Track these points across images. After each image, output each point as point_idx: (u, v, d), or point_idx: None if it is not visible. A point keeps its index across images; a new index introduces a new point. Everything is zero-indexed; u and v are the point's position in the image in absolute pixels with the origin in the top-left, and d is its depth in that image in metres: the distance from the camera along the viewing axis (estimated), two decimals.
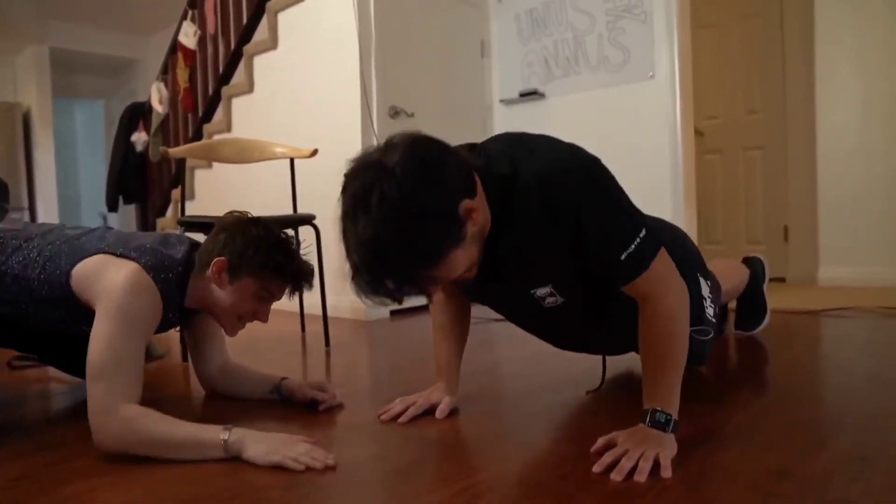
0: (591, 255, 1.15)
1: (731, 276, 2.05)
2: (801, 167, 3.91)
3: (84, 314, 1.30)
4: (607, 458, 1.06)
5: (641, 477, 1.01)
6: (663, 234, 1.23)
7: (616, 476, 1.02)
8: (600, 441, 1.14)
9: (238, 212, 1.49)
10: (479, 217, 1.06)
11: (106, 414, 1.15)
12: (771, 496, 0.94)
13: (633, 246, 1.12)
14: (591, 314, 1.33)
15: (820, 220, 3.76)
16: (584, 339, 1.53)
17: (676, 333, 1.16)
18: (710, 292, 1.56)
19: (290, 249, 1.42)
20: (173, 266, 1.35)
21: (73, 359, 1.71)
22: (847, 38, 3.63)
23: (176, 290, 1.36)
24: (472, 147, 1.20)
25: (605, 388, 1.59)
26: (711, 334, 1.52)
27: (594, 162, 1.16)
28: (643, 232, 1.14)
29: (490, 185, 1.12)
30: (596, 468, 1.05)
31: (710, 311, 1.53)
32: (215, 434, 1.17)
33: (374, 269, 1.00)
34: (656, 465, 1.04)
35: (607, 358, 1.61)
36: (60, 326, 1.40)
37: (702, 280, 1.53)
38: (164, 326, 1.41)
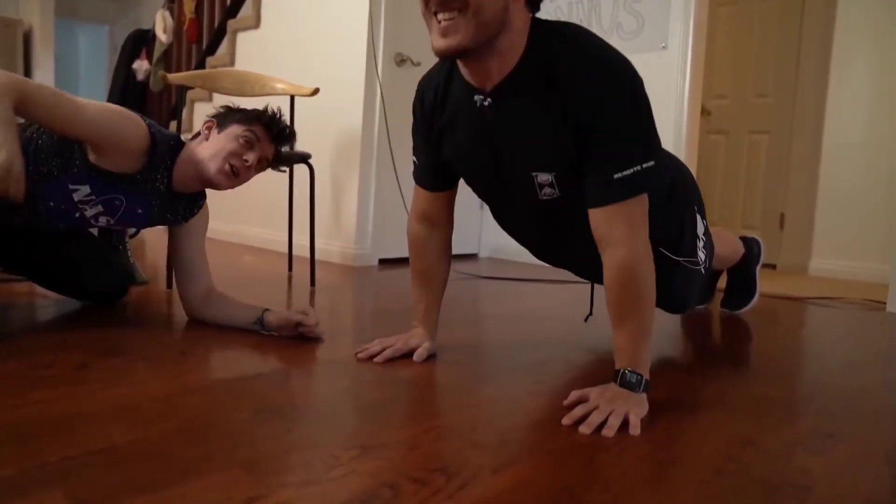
0: (589, 154, 1.12)
1: (726, 244, 2.04)
2: (805, 156, 3.89)
3: (75, 162, 1.43)
4: (577, 411, 1.07)
5: (610, 432, 1.02)
6: (670, 170, 1.20)
7: (585, 429, 1.02)
8: (573, 395, 1.14)
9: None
10: (516, 6, 1.10)
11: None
12: (731, 461, 0.95)
13: (630, 170, 1.09)
14: (582, 219, 1.29)
15: (817, 210, 3.75)
16: (570, 248, 1.42)
17: (643, 293, 1.14)
18: (704, 235, 1.54)
19: (265, 112, 1.59)
20: (167, 137, 1.53)
21: (59, 276, 1.72)
22: (867, 32, 3.58)
23: (167, 152, 1.52)
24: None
25: (587, 349, 1.59)
26: (704, 265, 1.49)
27: (638, 81, 1.13)
28: (650, 163, 1.10)
29: (537, 30, 1.13)
30: (565, 420, 1.06)
31: (701, 253, 1.50)
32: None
33: None
34: (625, 423, 1.05)
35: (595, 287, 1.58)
36: (39, 192, 1.43)
37: (699, 217, 1.51)
38: (149, 194, 1.51)
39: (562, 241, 1.39)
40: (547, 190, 1.22)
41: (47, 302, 1.83)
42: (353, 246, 3.06)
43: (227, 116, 1.55)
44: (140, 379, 1.17)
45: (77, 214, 1.48)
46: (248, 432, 0.96)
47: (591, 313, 1.79)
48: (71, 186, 1.43)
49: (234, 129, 1.51)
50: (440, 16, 1.08)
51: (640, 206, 1.13)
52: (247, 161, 1.50)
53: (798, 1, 3.97)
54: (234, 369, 1.29)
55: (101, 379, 1.15)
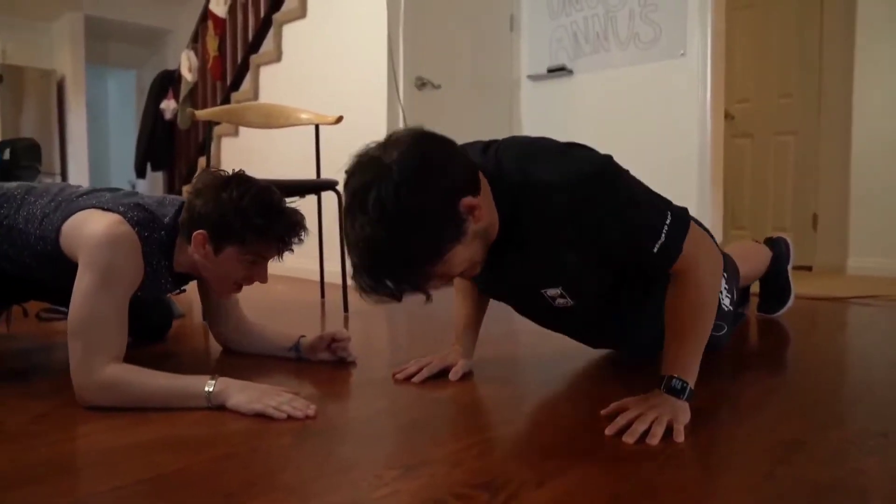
0: (624, 256, 1.15)
1: (750, 258, 2.01)
2: (835, 154, 3.82)
3: (74, 271, 1.26)
4: (620, 420, 1.05)
5: (654, 440, 1.00)
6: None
7: (628, 439, 1.01)
8: (612, 405, 1.13)
9: (213, 170, 1.38)
10: (484, 214, 1.05)
11: (87, 373, 1.15)
12: (781, 464, 0.92)
13: (663, 235, 1.10)
14: (603, 313, 1.32)
15: (851, 208, 3.67)
16: (600, 336, 1.50)
17: (703, 303, 1.15)
18: (726, 283, 1.53)
19: (270, 207, 1.31)
20: (158, 227, 1.32)
21: None
22: (890, 23, 3.52)
23: (161, 253, 1.34)
24: (486, 146, 1.19)
25: (623, 361, 1.57)
26: (725, 329, 1.49)
27: (607, 164, 1.12)
28: (669, 218, 1.11)
29: (500, 189, 1.10)
30: (608, 430, 1.04)
31: (726, 301, 1.50)
32: (200, 386, 1.17)
33: (372, 270, 0.99)
34: (668, 431, 1.03)
35: None
36: (59, 280, 1.40)
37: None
38: (158, 289, 1.41)
39: (589, 334, 1.45)
40: (559, 300, 1.26)
41: None
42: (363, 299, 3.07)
43: (220, 227, 1.28)
44: (181, 410, 1.18)
45: None
46: (291, 456, 0.96)
47: None
48: None
49: (234, 254, 1.30)
50: None
51: (691, 240, 1.13)
52: (255, 277, 1.38)
53: None
54: None
55: (144, 412, 1.17)
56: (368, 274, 0.99)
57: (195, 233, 1.29)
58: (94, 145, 6.89)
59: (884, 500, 0.81)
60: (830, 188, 3.85)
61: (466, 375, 1.41)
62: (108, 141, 8.19)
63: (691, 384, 1.11)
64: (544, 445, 1.01)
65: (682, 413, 1.08)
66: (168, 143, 5.21)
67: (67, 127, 6.31)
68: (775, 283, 2.12)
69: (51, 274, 1.37)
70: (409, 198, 0.95)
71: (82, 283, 1.19)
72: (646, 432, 1.02)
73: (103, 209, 1.27)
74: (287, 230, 1.33)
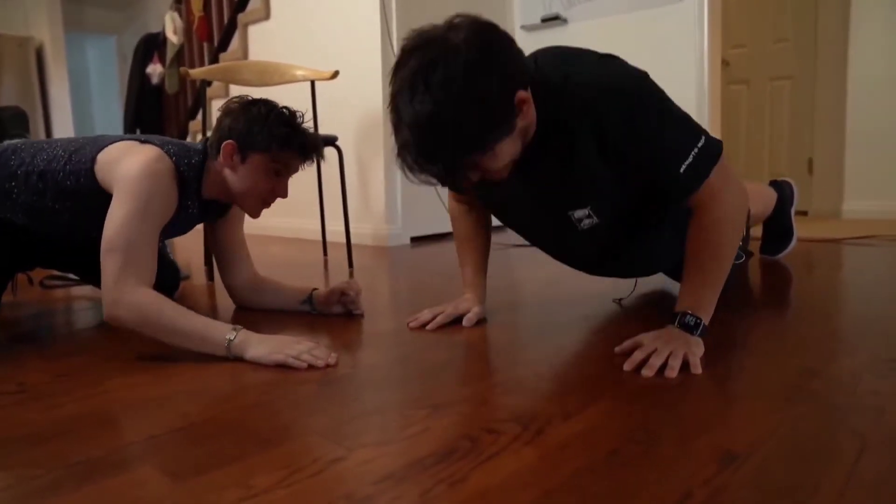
0: (649, 171, 1.13)
1: (758, 199, 2.02)
2: (830, 98, 3.81)
3: (107, 204, 1.30)
4: (637, 355, 1.08)
5: (672, 373, 1.02)
6: None
7: (647, 372, 1.03)
8: (627, 342, 1.15)
9: (239, 96, 1.46)
10: (529, 112, 1.05)
11: (120, 290, 1.18)
12: (799, 390, 0.95)
13: (691, 157, 1.10)
14: (624, 234, 1.33)
15: (847, 152, 3.69)
16: (613, 261, 1.50)
17: (725, 241, 1.15)
18: None
19: (293, 121, 1.41)
20: (192, 156, 1.38)
21: None
22: None
23: (194, 179, 1.39)
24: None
25: (633, 300, 1.60)
26: (744, 258, 1.51)
27: (643, 78, 1.12)
28: (701, 141, 1.11)
29: (539, 93, 1.09)
30: (626, 366, 1.07)
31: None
32: (221, 333, 1.20)
33: (425, 148, 0.98)
34: (685, 365, 1.05)
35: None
36: (84, 223, 1.42)
37: None
38: (185, 220, 1.45)
39: (605, 256, 1.43)
40: (585, 221, 1.26)
41: (87, 304, 1.88)
42: (384, 226, 3.08)
43: (248, 136, 1.37)
44: (201, 362, 1.19)
45: None
46: (319, 402, 0.98)
47: (629, 295, 1.75)
48: None
49: (260, 162, 1.38)
50: None
51: (719, 173, 1.13)
52: (277, 190, 1.44)
53: None
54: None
55: (166, 366, 1.18)
56: (420, 151, 0.98)
57: (225, 143, 1.37)
58: (77, 113, 6.79)
59: None
60: (825, 133, 3.86)
61: (480, 321, 1.43)
62: (92, 109, 8.06)
63: (705, 321, 1.14)
64: (565, 382, 1.03)
65: (697, 346, 1.10)
66: (156, 109, 5.14)
67: (50, 96, 6.19)
68: (778, 225, 2.15)
69: (75, 216, 1.40)
70: (477, 79, 0.94)
71: (119, 209, 1.22)
72: (663, 366, 1.04)
73: (140, 141, 1.32)
74: (307, 141, 1.41)
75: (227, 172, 1.41)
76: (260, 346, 1.19)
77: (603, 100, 1.08)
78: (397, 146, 1.00)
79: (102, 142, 1.36)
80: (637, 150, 1.11)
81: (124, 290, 1.18)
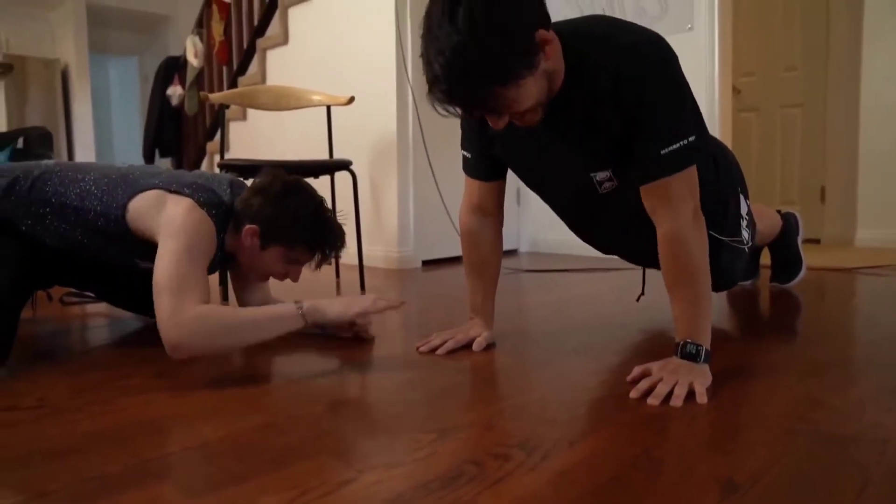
0: (635, 134, 1.16)
1: (764, 218, 2.03)
2: (841, 126, 3.82)
3: (135, 246, 1.37)
4: (643, 384, 1.09)
5: (678, 402, 1.03)
6: (713, 148, 1.22)
7: (653, 401, 1.04)
8: (636, 370, 1.16)
9: (277, 172, 1.47)
10: (553, 53, 1.09)
11: (177, 315, 1.17)
12: (802, 420, 0.96)
13: (676, 145, 1.12)
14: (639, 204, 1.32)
15: (859, 180, 3.68)
16: (629, 235, 1.45)
17: (697, 265, 1.16)
18: (747, 215, 1.55)
19: (324, 224, 1.44)
20: (221, 206, 1.39)
21: (130, 294, 1.78)
22: None
23: (220, 230, 1.40)
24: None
25: (642, 328, 1.60)
26: (748, 244, 1.51)
27: (673, 58, 1.15)
28: (692, 137, 1.14)
29: (570, 46, 1.14)
30: (633, 394, 1.08)
31: (745, 233, 1.52)
32: (288, 308, 1.23)
33: (454, 78, 1.02)
34: (691, 393, 1.06)
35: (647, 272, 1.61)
36: (110, 256, 1.46)
37: (742, 198, 1.52)
38: (211, 267, 1.45)
39: (623, 227, 1.42)
40: (606, 184, 1.28)
41: (105, 322, 1.91)
42: (396, 249, 3.11)
43: (273, 228, 1.40)
44: (216, 384, 1.22)
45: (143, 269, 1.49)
46: (329, 423, 1.00)
47: (643, 293, 1.80)
48: (136, 259, 1.47)
49: (278, 253, 1.42)
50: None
51: (689, 178, 1.16)
52: (289, 275, 1.48)
53: None
54: (302, 369, 1.33)
55: (181, 386, 1.21)
56: (449, 82, 1.02)
57: (247, 226, 1.40)
58: (98, 133, 6.92)
59: None
60: (838, 161, 3.86)
61: (489, 346, 1.44)
62: (112, 128, 8.20)
63: (706, 346, 1.14)
64: (571, 409, 1.04)
65: (702, 376, 1.11)
66: (176, 129, 5.23)
67: (73, 115, 6.33)
68: (787, 255, 2.15)
69: (102, 249, 1.43)
70: (498, 13, 1.00)
71: (168, 250, 1.24)
72: (669, 395, 1.05)
73: (170, 190, 1.34)
74: (332, 246, 1.45)
75: (244, 248, 1.43)
76: (333, 306, 1.24)
77: (628, 55, 1.12)
78: (427, 83, 1.06)
79: (134, 184, 1.37)
80: (637, 113, 1.13)
81: (182, 311, 1.17)
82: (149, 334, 1.70)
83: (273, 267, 1.45)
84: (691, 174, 1.16)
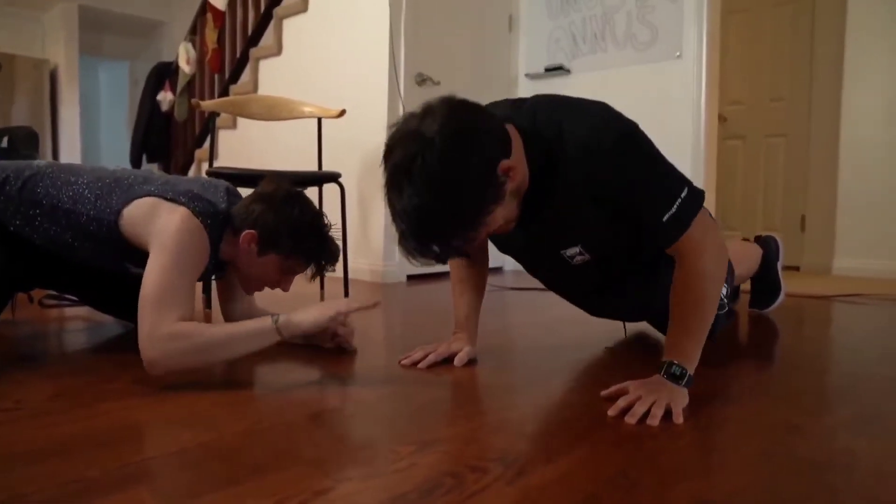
0: (634, 218, 1.18)
1: (743, 259, 2.07)
2: (823, 157, 3.90)
3: (127, 252, 1.36)
4: (621, 402, 1.10)
5: (654, 421, 1.05)
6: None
7: (630, 419, 1.06)
8: (612, 388, 1.18)
9: (278, 181, 1.49)
10: (518, 174, 1.10)
11: (154, 333, 1.18)
12: (776, 444, 0.98)
13: (674, 207, 1.14)
14: (618, 269, 1.37)
15: (839, 210, 3.76)
16: (606, 297, 1.54)
17: (707, 294, 1.18)
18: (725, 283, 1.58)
19: (322, 233, 1.45)
20: (217, 215, 1.39)
21: (114, 298, 1.77)
22: (879, 30, 3.60)
23: (216, 239, 1.41)
24: (516, 103, 1.23)
25: (622, 350, 1.62)
26: (726, 309, 1.54)
27: (633, 129, 1.18)
28: (684, 192, 1.16)
29: (532, 144, 1.15)
30: (610, 412, 1.09)
31: (722, 291, 1.55)
32: (263, 323, 1.24)
33: (421, 235, 1.04)
34: (668, 414, 1.08)
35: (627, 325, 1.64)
36: (99, 260, 1.46)
37: None
38: (203, 274, 1.45)
39: (599, 291, 1.48)
40: (578, 258, 1.32)
41: (85, 325, 1.90)
42: (381, 263, 3.12)
43: (272, 235, 1.40)
44: (198, 390, 1.22)
45: (133, 274, 1.48)
46: (309, 433, 1.00)
47: (621, 341, 1.79)
48: (127, 264, 1.47)
49: (274, 261, 1.42)
50: None
51: (701, 224, 1.18)
52: (281, 284, 1.49)
53: (809, 4, 4.01)
54: (283, 379, 1.34)
55: (162, 391, 1.20)
56: (416, 239, 1.04)
57: (246, 231, 1.40)
58: (85, 136, 6.87)
59: (871, 474, 0.86)
60: (818, 191, 3.93)
61: (471, 362, 1.45)
62: (100, 132, 8.15)
63: (690, 371, 1.16)
64: (550, 425, 1.05)
65: (680, 397, 1.13)
66: (164, 135, 5.22)
67: (60, 117, 6.30)
68: (766, 280, 2.19)
69: (91, 253, 1.42)
70: (453, 167, 1.01)
71: (157, 262, 1.24)
72: (646, 414, 1.07)
73: (166, 198, 1.33)
74: (327, 257, 1.46)
75: (241, 254, 1.43)
76: (308, 315, 1.25)
77: (594, 153, 1.13)
78: (397, 234, 1.07)
79: (129, 190, 1.36)
80: (626, 197, 1.16)
81: (157, 331, 1.18)
82: (130, 339, 1.69)
83: (267, 275, 1.45)
84: (701, 220, 1.18)
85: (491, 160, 1.05)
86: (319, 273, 1.47)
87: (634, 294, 1.46)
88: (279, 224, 1.39)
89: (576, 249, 1.30)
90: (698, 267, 1.17)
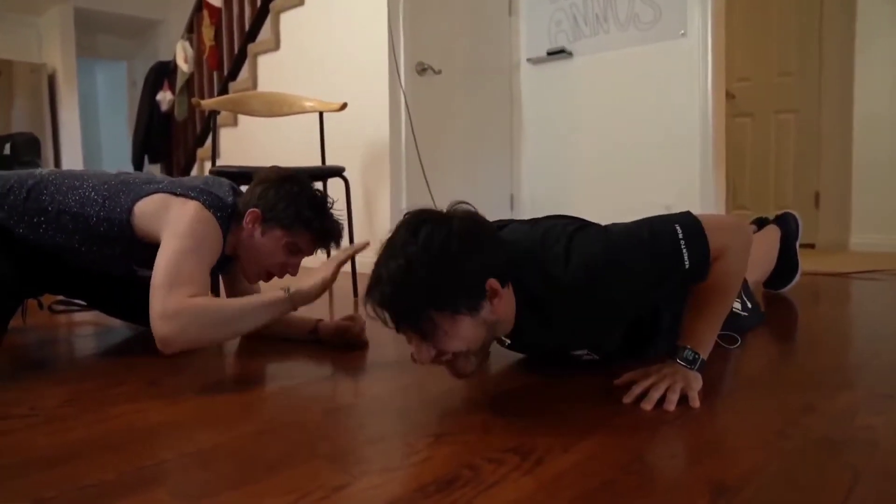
0: (657, 293, 1.19)
1: (763, 265, 2.06)
2: (836, 132, 3.87)
3: (138, 253, 1.38)
4: (636, 389, 1.11)
5: (671, 406, 1.05)
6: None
7: (645, 405, 1.06)
8: (626, 375, 1.18)
9: (276, 167, 1.55)
10: (501, 310, 1.08)
11: (166, 309, 1.19)
12: (793, 425, 0.98)
13: (684, 251, 1.10)
14: (628, 348, 1.37)
15: (854, 185, 3.73)
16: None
17: (727, 286, 1.18)
18: (743, 291, 1.59)
19: (322, 207, 1.49)
20: (226, 209, 1.42)
21: (123, 301, 1.78)
22: None
23: (225, 234, 1.43)
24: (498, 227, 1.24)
25: None
26: (738, 342, 1.50)
27: (606, 247, 1.13)
28: (679, 232, 1.12)
29: (520, 292, 1.13)
30: (626, 398, 1.10)
31: (737, 305, 1.56)
32: (274, 295, 1.28)
33: (395, 283, 1.01)
34: (683, 398, 1.08)
35: None
36: (106, 264, 1.47)
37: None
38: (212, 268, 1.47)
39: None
40: (586, 357, 1.34)
41: (95, 330, 1.92)
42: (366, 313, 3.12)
43: (273, 210, 1.44)
44: (210, 390, 1.23)
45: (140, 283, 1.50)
46: (324, 429, 1.01)
47: None
48: (135, 267, 1.50)
49: (278, 237, 1.44)
50: (443, 363, 1.10)
51: (711, 235, 1.13)
52: (287, 267, 1.49)
53: None
54: (295, 376, 1.35)
55: (174, 393, 1.22)
56: (391, 285, 1.01)
57: (250, 209, 1.44)
58: (86, 138, 6.91)
59: (891, 451, 0.87)
60: (832, 166, 3.91)
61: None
62: (100, 134, 8.19)
63: (703, 356, 1.16)
64: (565, 414, 1.06)
65: (695, 381, 1.13)
66: (165, 135, 5.23)
67: (60, 121, 6.33)
68: (783, 260, 2.17)
69: (99, 257, 1.44)
70: (457, 247, 1.02)
71: (171, 246, 1.27)
72: (661, 399, 1.08)
73: (175, 194, 1.36)
74: (328, 228, 1.49)
75: (245, 236, 1.46)
76: (313, 278, 1.31)
77: (583, 288, 1.11)
78: (369, 284, 1.05)
79: (137, 189, 1.39)
80: (638, 295, 1.16)
81: (169, 307, 1.19)
82: (140, 342, 1.71)
83: (273, 256, 1.46)
84: (708, 230, 1.13)
85: (486, 269, 1.05)
86: (325, 245, 1.50)
87: (647, 350, 1.42)
88: (279, 199, 1.44)
89: (583, 352, 1.32)
90: (721, 265, 1.15)
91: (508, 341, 1.31)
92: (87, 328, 1.95)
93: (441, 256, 1.01)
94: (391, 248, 1.04)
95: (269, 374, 1.39)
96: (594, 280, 1.10)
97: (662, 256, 1.12)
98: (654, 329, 1.35)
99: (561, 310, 1.15)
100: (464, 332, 1.04)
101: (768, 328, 1.76)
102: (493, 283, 1.05)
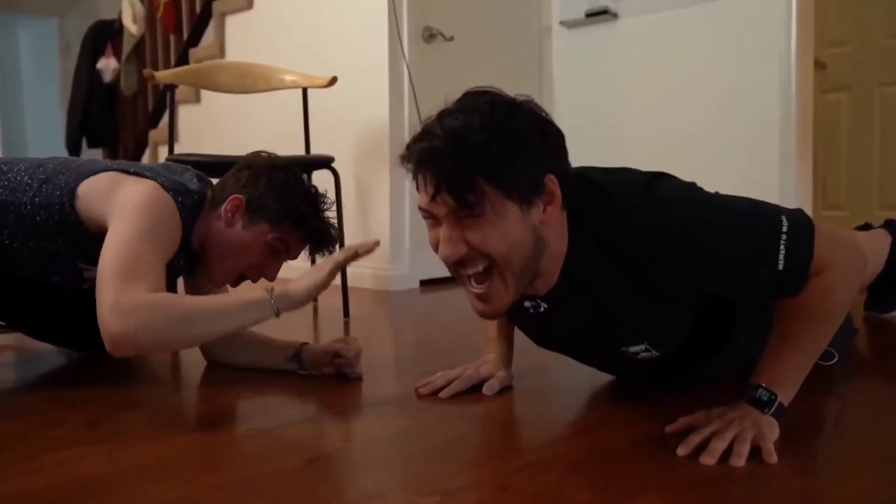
0: (736, 291, 1.23)
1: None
2: None
3: (86, 243, 1.40)
4: (694, 437, 1.11)
5: (739, 461, 1.04)
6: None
7: (706, 459, 1.05)
8: (682, 420, 1.18)
9: (265, 153, 1.60)
10: (552, 222, 1.15)
11: (121, 302, 1.20)
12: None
13: (782, 248, 1.13)
14: (692, 358, 1.38)
15: None
16: (678, 379, 1.52)
17: (827, 312, 1.18)
18: None
19: (317, 204, 1.54)
20: (190, 194, 1.46)
21: (54, 318, 1.80)
22: None
23: (188, 224, 1.46)
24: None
25: None
26: (836, 358, 1.52)
27: (690, 196, 1.19)
28: (785, 224, 1.14)
29: (578, 228, 1.20)
30: (681, 450, 1.09)
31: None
32: (255, 295, 1.29)
33: (447, 139, 1.08)
34: (754, 450, 1.08)
35: None
36: (44, 265, 1.50)
37: None
38: (171, 271, 1.50)
39: (672, 377, 1.48)
40: (643, 355, 1.34)
41: (27, 356, 1.94)
42: (387, 266, 3.15)
43: (262, 200, 1.48)
44: (165, 433, 1.25)
45: (86, 287, 1.51)
46: (306, 484, 1.03)
47: None
48: (81, 265, 1.51)
49: (263, 232, 1.48)
50: (471, 282, 1.17)
51: (820, 244, 1.16)
52: (265, 269, 1.54)
53: None
54: (273, 416, 1.37)
55: (120, 436, 1.24)
56: (441, 140, 1.08)
57: (233, 195, 1.48)
58: (5, 114, 6.90)
59: None
60: None
61: (503, 390, 1.47)
62: (24, 108, 8.12)
63: (783, 399, 1.15)
64: (605, 467, 1.07)
65: (769, 429, 1.11)
66: (109, 113, 5.27)
67: None
68: (891, 276, 2.14)
69: (34, 253, 1.46)
70: (524, 124, 1.11)
71: (118, 231, 1.29)
72: (727, 452, 1.08)
73: (128, 172, 1.40)
74: (320, 230, 1.53)
75: (220, 226, 1.49)
76: (303, 280, 1.30)
77: (658, 238, 1.15)
78: (413, 138, 1.13)
79: (81, 170, 1.42)
80: (716, 275, 1.18)
81: (125, 300, 1.20)
82: (78, 372, 1.74)
83: (250, 254, 1.50)
84: (819, 235, 1.16)
85: (549, 159, 1.15)
86: (316, 249, 1.55)
87: (710, 372, 1.45)
88: (271, 189, 1.48)
89: (640, 347, 1.32)
90: (829, 280, 1.16)
91: (545, 305, 1.29)
92: (7, 355, 1.97)
93: (506, 126, 1.08)
94: (445, 111, 1.11)
95: (240, 413, 1.41)
96: (671, 223, 1.14)
97: (755, 239, 1.15)
98: (723, 336, 1.35)
99: (621, 259, 1.18)
100: (508, 226, 1.10)
101: (869, 365, 1.76)
102: (552, 180, 1.11)
